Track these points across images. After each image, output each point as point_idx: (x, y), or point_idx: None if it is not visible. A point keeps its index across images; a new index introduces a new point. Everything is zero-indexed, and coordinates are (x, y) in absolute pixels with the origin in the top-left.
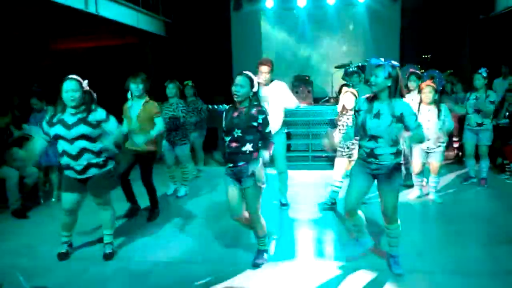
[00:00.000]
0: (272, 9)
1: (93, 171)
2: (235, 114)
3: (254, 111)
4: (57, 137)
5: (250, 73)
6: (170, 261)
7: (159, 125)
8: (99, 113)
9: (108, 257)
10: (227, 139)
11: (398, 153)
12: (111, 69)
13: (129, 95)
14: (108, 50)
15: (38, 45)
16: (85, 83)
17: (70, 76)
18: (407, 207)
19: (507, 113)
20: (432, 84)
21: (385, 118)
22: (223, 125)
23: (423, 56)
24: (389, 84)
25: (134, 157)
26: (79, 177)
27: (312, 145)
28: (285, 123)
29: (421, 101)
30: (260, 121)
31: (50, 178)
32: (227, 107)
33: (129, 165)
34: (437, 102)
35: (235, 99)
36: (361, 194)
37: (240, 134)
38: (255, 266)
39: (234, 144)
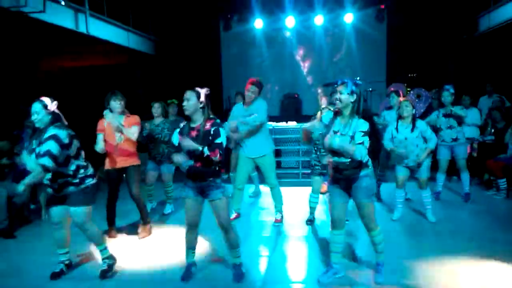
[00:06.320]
0: (261, 29)
1: (70, 189)
2: (193, 133)
3: (208, 125)
4: None
5: (198, 88)
6: (164, 278)
7: (132, 130)
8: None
9: (103, 274)
10: (191, 161)
11: (362, 165)
12: (101, 88)
13: (107, 112)
14: (98, 69)
15: (28, 64)
16: (53, 104)
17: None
18: (395, 223)
19: (493, 130)
20: (409, 99)
21: (342, 137)
22: (176, 145)
23: (409, 75)
24: (352, 101)
25: (119, 175)
26: (56, 194)
27: (302, 162)
28: (272, 140)
29: (399, 118)
30: (212, 132)
31: (38, 199)
32: (182, 124)
33: (116, 185)
34: (414, 118)
35: (185, 113)
36: (343, 208)
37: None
38: (237, 281)
39: (199, 164)
